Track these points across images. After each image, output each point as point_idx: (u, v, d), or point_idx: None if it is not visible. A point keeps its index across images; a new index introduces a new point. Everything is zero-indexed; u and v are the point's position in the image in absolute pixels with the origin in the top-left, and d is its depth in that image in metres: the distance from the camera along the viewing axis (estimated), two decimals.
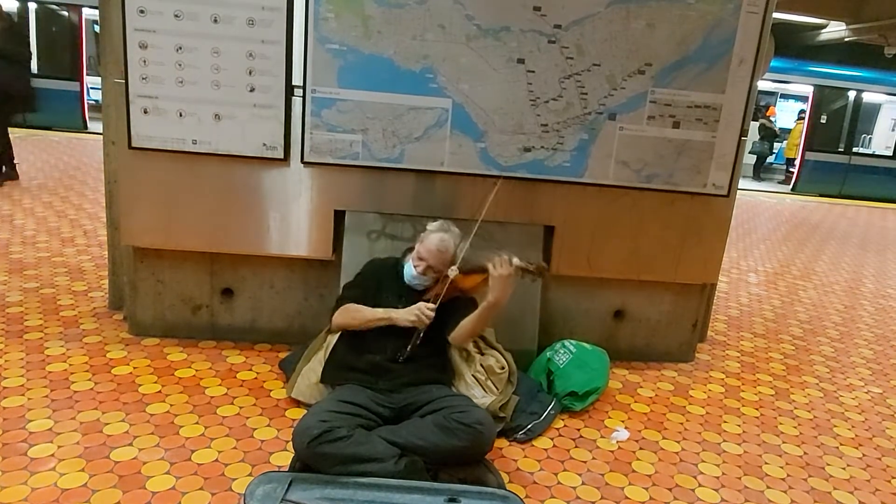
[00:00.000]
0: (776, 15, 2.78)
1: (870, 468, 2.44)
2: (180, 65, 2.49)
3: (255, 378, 2.64)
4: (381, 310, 2.23)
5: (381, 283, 2.35)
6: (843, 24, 10.00)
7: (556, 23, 2.59)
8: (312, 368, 2.39)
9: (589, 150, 2.75)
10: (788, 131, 13.03)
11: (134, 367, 2.62)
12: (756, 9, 2.68)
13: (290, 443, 2.03)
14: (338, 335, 2.36)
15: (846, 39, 10.51)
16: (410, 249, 2.38)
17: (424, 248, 2.27)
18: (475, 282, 2.20)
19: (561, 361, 2.70)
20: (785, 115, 14.20)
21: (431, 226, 2.35)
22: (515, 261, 2.07)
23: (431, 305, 2.15)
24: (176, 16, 2.44)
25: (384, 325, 2.20)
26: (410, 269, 2.29)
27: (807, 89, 11.93)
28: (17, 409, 2.24)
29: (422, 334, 2.18)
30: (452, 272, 2.18)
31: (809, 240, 7.12)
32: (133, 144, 2.55)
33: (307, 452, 1.88)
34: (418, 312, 2.14)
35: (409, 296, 2.27)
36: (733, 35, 2.69)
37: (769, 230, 7.50)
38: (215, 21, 2.45)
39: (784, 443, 2.57)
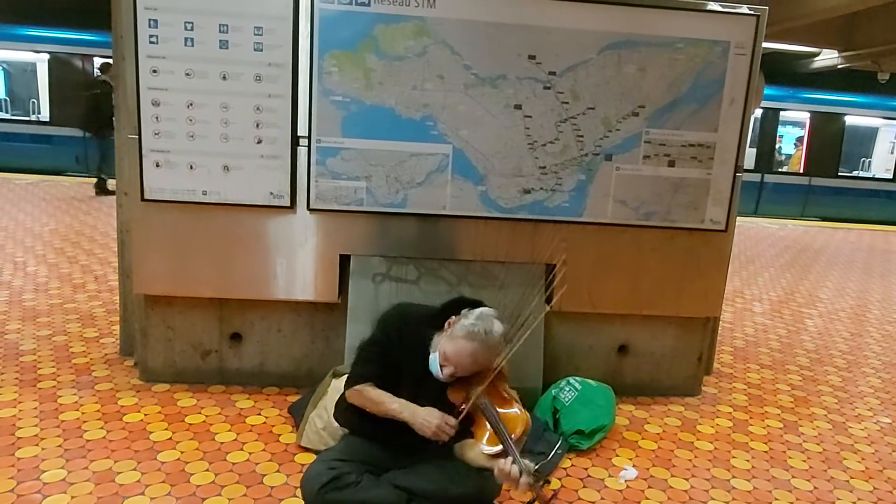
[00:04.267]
0: (767, 45, 2.87)
1: (881, 502, 2.43)
2: (191, 120, 2.59)
3: (264, 423, 2.67)
4: (397, 404, 1.96)
5: (404, 357, 2.05)
6: (836, 51, 10.19)
7: (550, 70, 2.69)
8: (319, 414, 2.42)
9: (587, 190, 2.82)
10: (789, 156, 13.16)
11: (145, 415, 2.65)
12: (744, 51, 2.78)
13: (299, 490, 2.05)
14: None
15: (839, 66, 10.69)
16: (440, 322, 2.02)
17: (454, 353, 1.92)
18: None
19: (566, 399, 2.72)
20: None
21: (466, 323, 1.93)
22: (523, 480, 1.75)
23: (454, 422, 1.91)
24: (187, 74, 2.55)
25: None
26: (435, 365, 1.97)
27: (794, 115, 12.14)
28: (31, 460, 2.27)
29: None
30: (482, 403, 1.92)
31: (813, 266, 7.13)
32: (145, 196, 2.64)
33: (316, 499, 1.89)
34: (438, 428, 1.88)
35: (428, 382, 2.00)
36: (723, 76, 2.79)
37: (772, 257, 7.52)
38: (224, 78, 2.56)
39: (794, 477, 2.56)
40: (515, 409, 1.98)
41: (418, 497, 1.94)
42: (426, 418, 1.91)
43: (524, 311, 2.08)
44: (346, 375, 2.20)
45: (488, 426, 1.93)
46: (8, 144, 10.41)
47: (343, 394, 2.13)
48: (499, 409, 1.95)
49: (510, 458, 1.79)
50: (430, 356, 1.98)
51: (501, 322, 1.97)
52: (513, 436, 1.88)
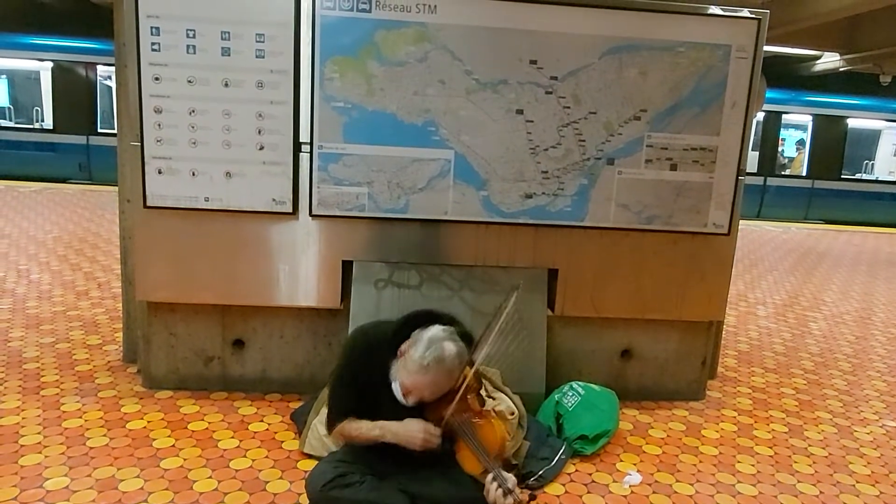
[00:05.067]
0: (769, 48, 2.87)
1: None
2: (193, 127, 2.60)
3: (267, 429, 2.66)
4: (378, 430, 1.95)
5: (374, 384, 1.99)
6: (838, 54, 10.19)
7: (552, 74, 2.69)
8: (321, 421, 2.41)
9: (589, 194, 2.82)
10: (792, 159, 13.14)
11: (148, 422, 2.65)
12: (745, 54, 2.78)
13: (304, 491, 2.05)
14: None
15: (841, 69, 10.70)
16: (395, 347, 1.94)
17: (412, 385, 1.88)
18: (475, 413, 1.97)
19: (569, 404, 2.71)
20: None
21: (416, 356, 1.84)
22: (508, 501, 1.77)
23: (436, 430, 1.90)
24: (189, 81, 2.56)
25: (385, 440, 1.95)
26: (399, 395, 1.93)
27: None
28: (34, 468, 2.27)
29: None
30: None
31: (817, 269, 7.10)
32: (148, 203, 2.65)
33: (320, 496, 1.91)
34: (424, 441, 1.87)
35: (403, 407, 1.96)
36: (724, 80, 2.78)
37: (776, 260, 7.50)
38: (226, 85, 2.57)
39: (799, 482, 2.54)
40: (493, 426, 1.96)
41: (421, 501, 1.93)
42: (409, 433, 1.90)
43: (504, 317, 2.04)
44: (333, 441, 2.19)
45: (467, 444, 1.92)
46: (12, 152, 10.47)
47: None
48: (475, 421, 1.94)
49: (494, 480, 1.78)
50: (393, 385, 1.94)
51: (455, 340, 1.89)
52: (491, 453, 1.88)
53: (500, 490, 1.76)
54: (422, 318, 1.97)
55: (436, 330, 1.90)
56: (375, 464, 2.03)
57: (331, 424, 2.07)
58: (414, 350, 1.87)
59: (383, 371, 1.98)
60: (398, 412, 1.96)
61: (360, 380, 2.02)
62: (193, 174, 2.64)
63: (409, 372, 1.87)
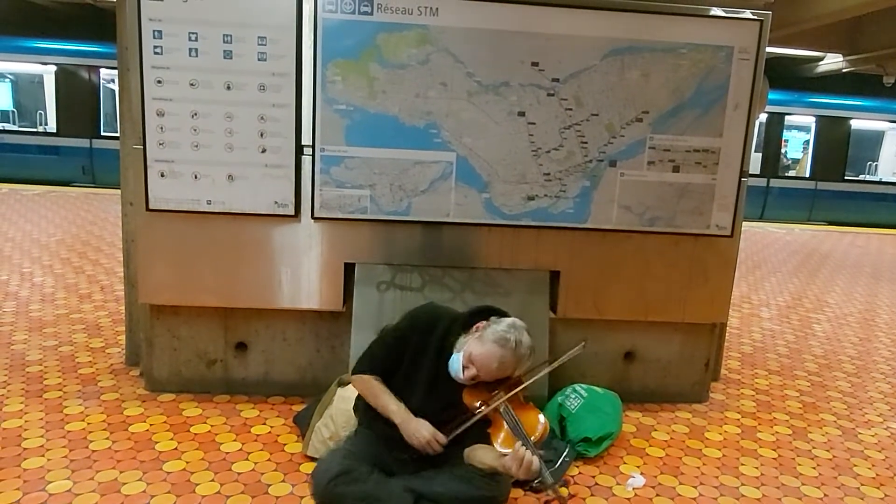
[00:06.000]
0: (771, 49, 2.86)
1: None
2: (195, 130, 2.60)
3: (269, 432, 2.66)
4: (395, 406, 2.01)
5: (425, 356, 2.06)
6: (840, 55, 10.17)
7: (553, 77, 2.69)
8: (325, 424, 2.41)
9: (591, 196, 2.82)
10: (795, 161, 13.12)
11: (150, 424, 2.65)
12: (747, 55, 2.77)
13: (307, 493, 2.05)
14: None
15: (844, 70, 10.68)
16: (468, 325, 2.06)
17: (481, 356, 1.94)
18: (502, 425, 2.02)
19: (573, 406, 2.70)
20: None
21: (498, 329, 1.96)
22: (536, 462, 1.82)
23: (443, 439, 1.94)
24: (191, 84, 2.56)
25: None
26: (457, 367, 1.98)
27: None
28: (37, 471, 2.27)
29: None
30: (503, 407, 1.97)
31: (821, 270, 7.08)
32: (150, 207, 2.65)
33: (325, 491, 1.91)
34: (427, 442, 1.92)
35: (444, 383, 2.02)
36: (727, 81, 2.78)
37: (779, 262, 7.48)
38: (228, 88, 2.58)
39: (803, 485, 2.53)
40: (534, 414, 2.06)
41: (426, 499, 1.93)
42: (417, 429, 1.96)
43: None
44: (352, 383, 2.22)
45: (506, 427, 1.95)
46: (15, 155, 10.51)
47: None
48: (518, 413, 2.01)
49: (523, 446, 1.84)
50: (453, 356, 2.00)
51: (530, 335, 2.02)
52: (532, 437, 1.95)
53: (528, 451, 1.80)
54: (499, 311, 2.11)
55: (520, 321, 2.05)
56: (383, 458, 2.03)
57: (364, 363, 2.14)
58: (497, 325, 1.99)
59: (441, 343, 2.05)
60: (434, 388, 2.02)
61: (412, 343, 2.09)
62: (196, 177, 2.64)
63: (483, 342, 1.96)
